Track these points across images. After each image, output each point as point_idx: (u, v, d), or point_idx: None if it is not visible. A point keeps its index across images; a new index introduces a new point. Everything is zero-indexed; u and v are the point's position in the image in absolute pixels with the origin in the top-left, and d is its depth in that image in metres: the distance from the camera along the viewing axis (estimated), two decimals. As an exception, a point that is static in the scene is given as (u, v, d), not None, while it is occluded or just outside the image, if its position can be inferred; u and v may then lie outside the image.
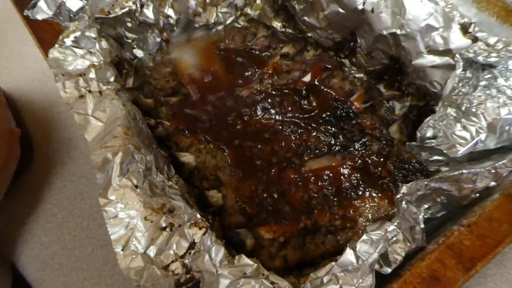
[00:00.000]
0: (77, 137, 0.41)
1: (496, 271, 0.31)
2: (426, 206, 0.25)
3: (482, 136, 0.26)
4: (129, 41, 0.37)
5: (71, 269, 0.34)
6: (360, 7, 0.31)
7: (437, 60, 0.28)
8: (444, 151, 0.26)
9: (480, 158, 0.26)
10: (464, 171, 0.24)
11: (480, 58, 0.30)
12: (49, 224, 0.36)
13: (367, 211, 0.29)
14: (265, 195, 0.29)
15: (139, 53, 0.38)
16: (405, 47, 0.29)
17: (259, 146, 0.31)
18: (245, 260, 0.22)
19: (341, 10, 0.32)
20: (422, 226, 0.24)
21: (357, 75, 0.34)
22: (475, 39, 0.33)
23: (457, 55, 0.27)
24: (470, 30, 0.34)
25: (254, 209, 0.29)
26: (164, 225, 0.22)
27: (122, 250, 0.21)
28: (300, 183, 0.30)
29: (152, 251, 0.22)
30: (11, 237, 0.35)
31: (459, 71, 0.26)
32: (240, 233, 0.28)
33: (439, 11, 0.27)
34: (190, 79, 0.36)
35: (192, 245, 0.22)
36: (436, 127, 0.28)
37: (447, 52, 0.27)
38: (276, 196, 0.29)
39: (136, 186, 0.23)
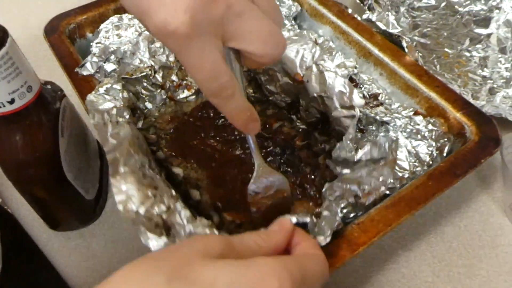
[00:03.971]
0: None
1: (391, 266, 0.44)
2: (342, 205, 0.37)
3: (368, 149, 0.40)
4: (143, 96, 0.51)
5: (89, 256, 0.45)
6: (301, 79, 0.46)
7: (346, 112, 0.42)
8: (346, 158, 0.40)
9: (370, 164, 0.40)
10: (363, 173, 0.38)
11: (378, 117, 0.44)
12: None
13: (301, 211, 0.42)
14: (230, 198, 0.42)
15: (149, 105, 0.52)
16: (327, 104, 0.43)
17: (230, 169, 0.45)
18: (204, 220, 0.33)
19: (289, 81, 0.47)
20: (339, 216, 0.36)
21: (301, 126, 0.48)
22: (380, 104, 0.47)
23: (355, 110, 0.41)
24: (379, 98, 0.49)
25: (222, 203, 0.42)
26: (150, 195, 0.33)
27: (123, 208, 0.31)
28: (256, 193, 0.43)
29: (142, 210, 0.32)
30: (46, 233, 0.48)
31: (355, 121, 0.40)
32: (211, 214, 0.40)
33: (346, 82, 0.42)
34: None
35: (168, 208, 0.33)
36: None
37: (351, 107, 0.41)
38: (237, 197, 0.42)
39: (133, 172, 0.34)
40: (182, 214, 0.33)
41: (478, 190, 0.48)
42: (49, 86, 0.39)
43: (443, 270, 0.42)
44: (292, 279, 0.23)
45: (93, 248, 0.46)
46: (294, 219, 0.32)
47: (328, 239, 0.33)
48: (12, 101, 0.33)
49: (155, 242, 0.30)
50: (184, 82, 0.53)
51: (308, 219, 0.33)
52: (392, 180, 0.38)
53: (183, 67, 0.53)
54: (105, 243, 0.47)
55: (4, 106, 0.33)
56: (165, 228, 0.32)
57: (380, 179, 0.38)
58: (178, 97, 0.53)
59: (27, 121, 0.35)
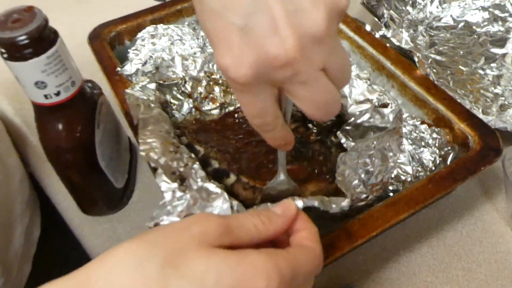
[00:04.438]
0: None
1: (392, 265, 0.46)
2: (354, 182, 0.40)
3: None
4: (172, 105, 0.56)
5: (115, 239, 0.49)
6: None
7: (360, 107, 0.46)
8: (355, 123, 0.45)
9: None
10: (372, 141, 0.41)
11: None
12: (103, 211, 0.54)
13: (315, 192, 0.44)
14: (246, 169, 0.45)
15: (176, 113, 0.57)
16: (342, 103, 0.47)
17: (248, 154, 0.48)
18: (215, 182, 0.37)
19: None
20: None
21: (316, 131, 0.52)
22: (389, 113, 0.50)
23: (370, 102, 0.45)
24: (388, 107, 0.52)
25: (239, 172, 0.44)
26: (171, 150, 0.38)
27: (145, 155, 0.36)
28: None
29: (162, 160, 0.36)
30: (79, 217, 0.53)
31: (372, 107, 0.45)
32: (229, 172, 0.43)
33: (356, 80, 0.46)
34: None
35: (186, 165, 0.37)
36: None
37: (365, 101, 0.46)
38: (253, 172, 0.45)
39: (160, 131, 0.39)
40: (198, 174, 0.37)
41: (482, 199, 0.50)
42: (89, 84, 0.44)
43: (443, 271, 0.44)
44: (281, 278, 0.24)
45: (119, 233, 0.51)
46: (300, 204, 0.34)
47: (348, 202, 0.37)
48: (58, 93, 0.38)
49: (166, 185, 0.35)
50: (211, 95, 0.58)
51: (316, 203, 0.35)
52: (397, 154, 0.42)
53: (211, 82, 0.57)
54: (130, 229, 0.51)
55: (51, 97, 0.38)
56: (180, 179, 0.36)
57: (390, 154, 0.41)
58: (203, 108, 0.57)
59: (69, 112, 0.41)
